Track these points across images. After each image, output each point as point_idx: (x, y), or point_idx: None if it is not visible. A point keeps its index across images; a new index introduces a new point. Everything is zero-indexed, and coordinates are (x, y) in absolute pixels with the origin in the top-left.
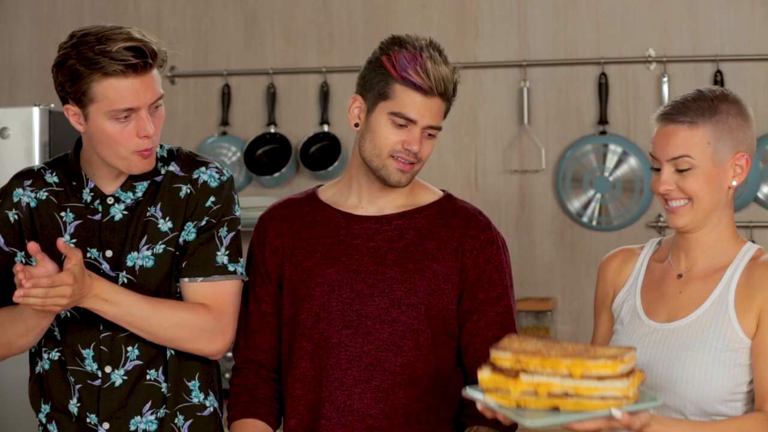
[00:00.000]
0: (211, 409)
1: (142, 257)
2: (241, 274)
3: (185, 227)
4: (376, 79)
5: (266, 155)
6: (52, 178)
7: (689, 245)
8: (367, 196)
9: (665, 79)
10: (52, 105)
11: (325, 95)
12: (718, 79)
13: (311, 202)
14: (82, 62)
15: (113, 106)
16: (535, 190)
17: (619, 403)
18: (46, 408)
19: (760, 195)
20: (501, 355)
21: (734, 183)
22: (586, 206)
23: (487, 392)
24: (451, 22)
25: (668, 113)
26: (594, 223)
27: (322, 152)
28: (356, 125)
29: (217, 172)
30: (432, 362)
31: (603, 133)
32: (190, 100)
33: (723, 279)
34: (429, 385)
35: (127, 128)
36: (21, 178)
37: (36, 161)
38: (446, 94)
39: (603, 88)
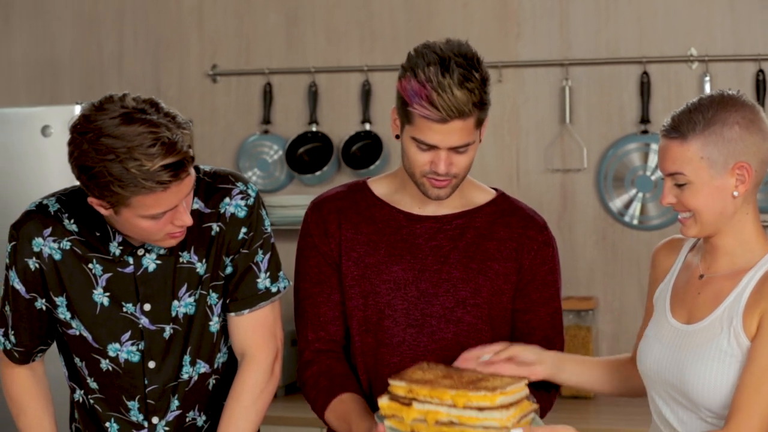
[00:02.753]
0: None
1: (184, 305)
2: (284, 287)
3: (222, 262)
4: (400, 101)
5: (308, 154)
6: (71, 225)
7: (711, 247)
8: (420, 198)
9: (707, 78)
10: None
11: (366, 94)
12: (760, 78)
13: (366, 197)
14: (116, 181)
15: (151, 211)
16: (576, 189)
17: None
18: None
19: None
20: (396, 384)
21: (735, 194)
22: (627, 205)
23: (387, 418)
24: (492, 20)
25: (664, 127)
26: (636, 222)
27: (364, 151)
28: (397, 137)
29: (242, 198)
30: None
31: (645, 132)
32: (231, 99)
33: (740, 284)
34: None
35: (161, 221)
36: (39, 224)
37: None
38: (465, 115)
39: (645, 87)
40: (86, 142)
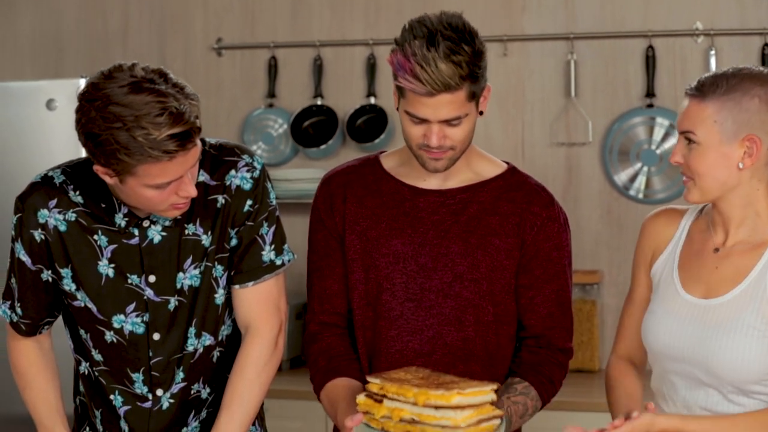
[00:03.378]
0: None
1: (189, 277)
2: (289, 260)
3: (227, 234)
4: (393, 75)
5: (313, 127)
6: (76, 197)
7: (721, 219)
8: (425, 171)
9: (712, 52)
10: None
11: (371, 67)
12: (766, 52)
13: (375, 170)
14: (124, 150)
15: (156, 181)
16: (582, 163)
17: None
18: (97, 414)
19: None
20: (372, 380)
21: (741, 165)
22: (633, 179)
23: (364, 415)
24: None
25: (691, 86)
26: (641, 196)
27: (369, 124)
28: (398, 109)
29: (248, 171)
30: (492, 339)
31: (650, 106)
32: (236, 72)
33: (763, 258)
34: (488, 361)
35: (166, 191)
36: (44, 196)
37: None
38: (452, 88)
39: (650, 61)
40: (94, 110)
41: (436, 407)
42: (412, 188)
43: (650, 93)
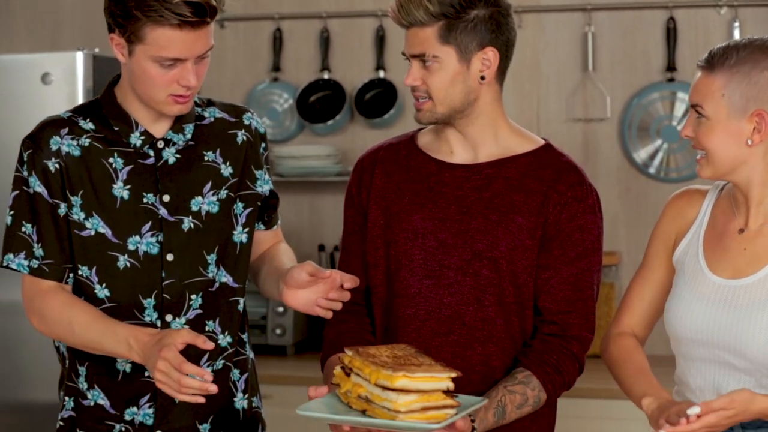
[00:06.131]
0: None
1: (208, 203)
2: None
3: (252, 173)
4: None
5: (319, 102)
6: (87, 125)
7: (744, 199)
8: (452, 145)
9: (736, 24)
10: (96, 50)
11: (380, 40)
12: None
13: (408, 146)
14: (139, 5)
15: (161, 53)
16: (599, 139)
17: (392, 417)
18: (83, 370)
19: None
20: (346, 352)
21: (749, 142)
22: (653, 156)
23: (337, 388)
24: None
25: (702, 58)
26: (661, 174)
27: (378, 99)
28: None
29: (256, 119)
30: (514, 321)
31: (671, 80)
32: (240, 45)
33: None
34: (509, 344)
35: (169, 74)
36: (53, 126)
37: None
38: (419, 23)
39: (671, 34)
40: None
41: (383, 388)
42: (440, 163)
43: (671, 67)
